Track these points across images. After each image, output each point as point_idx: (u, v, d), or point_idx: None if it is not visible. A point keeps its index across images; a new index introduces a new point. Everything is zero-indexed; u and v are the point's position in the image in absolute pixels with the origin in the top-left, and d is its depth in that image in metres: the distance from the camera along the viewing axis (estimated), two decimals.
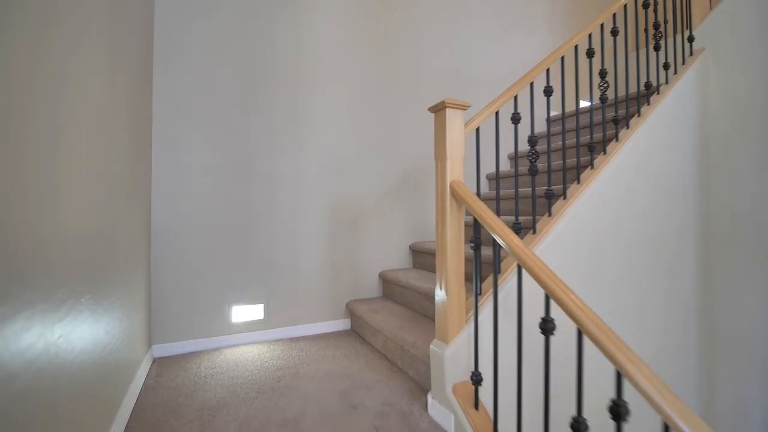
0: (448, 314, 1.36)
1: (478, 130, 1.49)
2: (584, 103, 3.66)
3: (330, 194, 2.37)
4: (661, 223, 2.09)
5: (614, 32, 1.98)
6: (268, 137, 2.20)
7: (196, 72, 2.03)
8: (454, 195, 1.35)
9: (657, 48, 2.17)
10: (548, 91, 1.68)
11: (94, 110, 1.02)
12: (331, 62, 2.41)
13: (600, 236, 1.81)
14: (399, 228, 2.61)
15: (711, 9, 2.46)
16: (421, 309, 2.11)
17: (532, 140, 1.62)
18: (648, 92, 2.13)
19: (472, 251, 1.84)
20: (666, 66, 2.21)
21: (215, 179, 2.06)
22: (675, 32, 2.34)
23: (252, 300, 2.14)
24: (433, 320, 1.97)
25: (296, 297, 2.26)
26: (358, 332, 2.31)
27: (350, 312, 2.39)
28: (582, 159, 2.02)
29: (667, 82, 2.22)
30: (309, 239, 2.30)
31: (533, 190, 1.62)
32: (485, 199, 2.55)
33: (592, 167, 1.85)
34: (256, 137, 2.17)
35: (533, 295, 1.39)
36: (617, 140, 1.95)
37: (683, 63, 2.33)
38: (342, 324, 2.39)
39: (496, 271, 1.25)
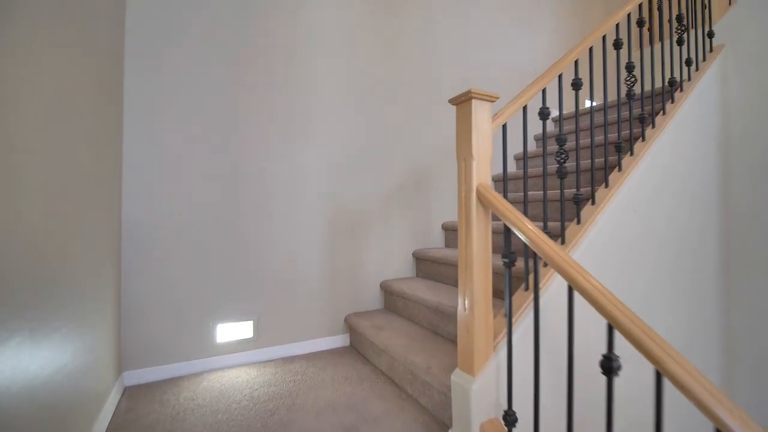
0: (475, 340, 1.16)
1: (504, 126, 1.30)
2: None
3: (326, 197, 2.15)
4: (685, 224, 1.95)
5: (640, 23, 1.82)
6: (259, 134, 1.97)
7: (177, 60, 1.78)
8: (482, 200, 1.16)
9: (680, 42, 2.02)
10: (577, 85, 1.51)
11: (39, 95, 0.79)
12: (329, 55, 2.19)
13: (631, 241, 1.65)
14: (401, 233, 2.41)
15: (730, 4, 2.34)
16: (429, 325, 1.90)
17: (561, 138, 1.44)
18: (672, 89, 1.98)
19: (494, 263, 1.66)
20: (688, 62, 2.07)
21: (198, 180, 1.82)
22: (696, 26, 2.21)
23: (240, 316, 1.90)
24: (445, 338, 1.77)
25: (290, 311, 2.03)
26: (358, 350, 2.09)
27: (349, 327, 2.17)
28: (611, 160, 1.85)
29: (689, 79, 2.08)
30: (304, 246, 2.07)
31: (562, 194, 1.44)
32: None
33: (620, 169, 1.68)
34: (246, 134, 1.93)
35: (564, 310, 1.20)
36: (644, 140, 1.79)
37: (704, 59, 2.20)
38: (340, 340, 2.16)
39: (537, 296, 1.06)
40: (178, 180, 1.78)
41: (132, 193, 1.68)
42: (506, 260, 1.11)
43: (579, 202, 1.50)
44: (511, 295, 1.15)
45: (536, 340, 1.03)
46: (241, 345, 1.90)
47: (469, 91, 1.16)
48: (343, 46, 2.24)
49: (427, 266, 2.36)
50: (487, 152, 1.20)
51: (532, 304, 1.28)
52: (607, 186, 1.62)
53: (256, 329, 1.93)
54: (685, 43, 2.06)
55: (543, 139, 1.40)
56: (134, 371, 1.67)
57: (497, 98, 1.21)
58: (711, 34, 2.25)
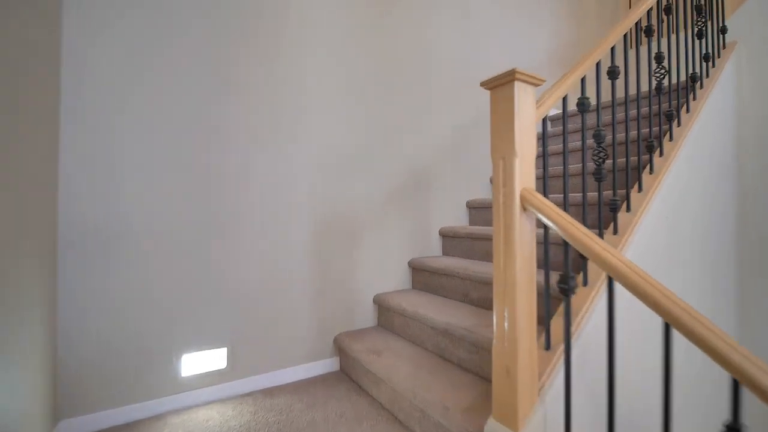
0: (519, 384, 0.92)
1: (545, 119, 1.07)
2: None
3: (314, 201, 1.86)
4: (707, 226, 1.82)
5: (668, 10, 1.65)
6: (238, 129, 1.65)
7: (132, 33, 1.45)
8: (528, 209, 0.92)
9: (700, 36, 1.88)
10: (614, 74, 1.30)
11: None
12: (326, 54, 1.90)
13: (665, 249, 1.48)
14: (395, 240, 2.15)
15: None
16: (434, 348, 1.66)
17: (599, 134, 1.23)
18: (693, 84, 1.83)
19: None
20: (707, 57, 1.94)
21: (161, 178, 1.49)
22: (713, 19, 2.09)
23: (211, 343, 1.58)
24: (455, 364, 1.53)
25: (271, 334, 1.72)
26: (350, 375, 1.82)
27: (339, 349, 1.89)
28: (633, 159, 1.67)
29: (708, 75, 1.94)
30: (286, 256, 1.77)
31: (600, 198, 1.24)
32: None
33: (652, 171, 1.50)
34: (221, 127, 1.62)
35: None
36: (671, 139, 1.63)
37: (719, 56, 2.08)
38: (328, 364, 1.88)
39: (612, 337, 0.83)
40: (134, 178, 1.44)
41: (73, 193, 1.34)
42: (564, 286, 0.87)
43: (616, 208, 1.30)
44: (569, 326, 0.92)
45: (610, 391, 0.80)
46: (213, 377, 1.58)
47: (513, 71, 0.91)
48: (342, 46, 1.96)
49: (425, 277, 2.12)
50: (531, 148, 0.96)
51: (577, 334, 1.06)
52: (641, 190, 1.43)
53: (231, 357, 1.62)
54: (704, 37, 1.92)
55: (582, 134, 1.19)
56: (74, 419, 1.32)
57: (543, 81, 0.97)
58: (724, 30, 2.14)
